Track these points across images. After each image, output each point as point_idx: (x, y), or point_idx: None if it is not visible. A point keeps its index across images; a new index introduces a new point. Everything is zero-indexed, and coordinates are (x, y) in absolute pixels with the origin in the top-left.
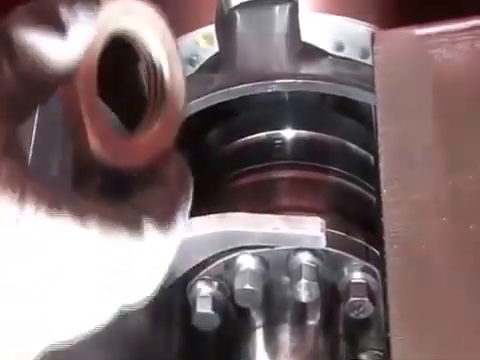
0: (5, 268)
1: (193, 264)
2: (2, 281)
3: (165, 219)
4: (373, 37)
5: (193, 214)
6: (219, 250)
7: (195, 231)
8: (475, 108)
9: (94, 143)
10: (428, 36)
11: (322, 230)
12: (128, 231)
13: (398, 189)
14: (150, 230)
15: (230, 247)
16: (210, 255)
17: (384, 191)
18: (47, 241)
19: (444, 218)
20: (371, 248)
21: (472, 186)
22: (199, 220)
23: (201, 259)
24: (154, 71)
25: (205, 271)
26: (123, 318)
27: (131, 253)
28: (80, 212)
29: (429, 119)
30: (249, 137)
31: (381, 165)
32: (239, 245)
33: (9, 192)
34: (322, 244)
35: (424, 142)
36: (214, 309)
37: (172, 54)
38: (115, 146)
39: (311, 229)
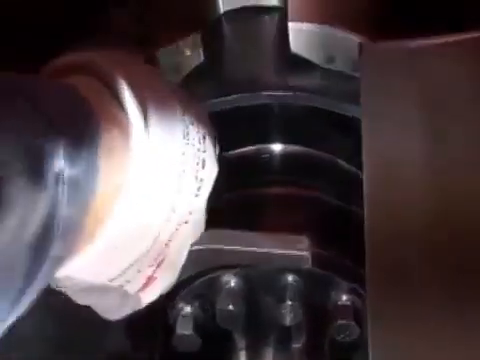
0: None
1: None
2: None
3: None
4: (361, 48)
5: None
6: (202, 268)
7: None
8: (462, 123)
9: None
10: (416, 49)
11: (308, 250)
12: None
13: (381, 206)
14: None
15: (213, 265)
16: (192, 273)
17: (367, 209)
18: None
19: (427, 239)
20: (359, 269)
21: (458, 206)
22: None
23: (183, 277)
24: None
25: (187, 290)
26: (104, 337)
27: None
28: None
29: (415, 133)
30: (235, 151)
31: (365, 181)
32: (222, 263)
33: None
34: (308, 264)
35: (409, 157)
36: (195, 330)
37: None
38: None
39: (297, 248)
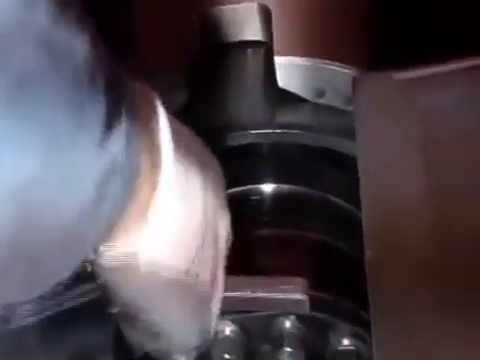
0: None
1: None
2: None
3: None
4: (354, 81)
5: None
6: None
7: None
8: (462, 157)
9: None
10: (412, 80)
11: (305, 293)
12: None
13: (382, 248)
14: None
15: None
16: None
17: (368, 252)
18: None
19: (431, 283)
20: (360, 312)
21: (461, 244)
22: None
23: None
24: None
25: None
26: None
27: None
28: None
29: (413, 169)
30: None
31: (364, 222)
32: None
33: None
34: (305, 308)
35: (409, 195)
36: None
37: None
38: None
39: (293, 292)
